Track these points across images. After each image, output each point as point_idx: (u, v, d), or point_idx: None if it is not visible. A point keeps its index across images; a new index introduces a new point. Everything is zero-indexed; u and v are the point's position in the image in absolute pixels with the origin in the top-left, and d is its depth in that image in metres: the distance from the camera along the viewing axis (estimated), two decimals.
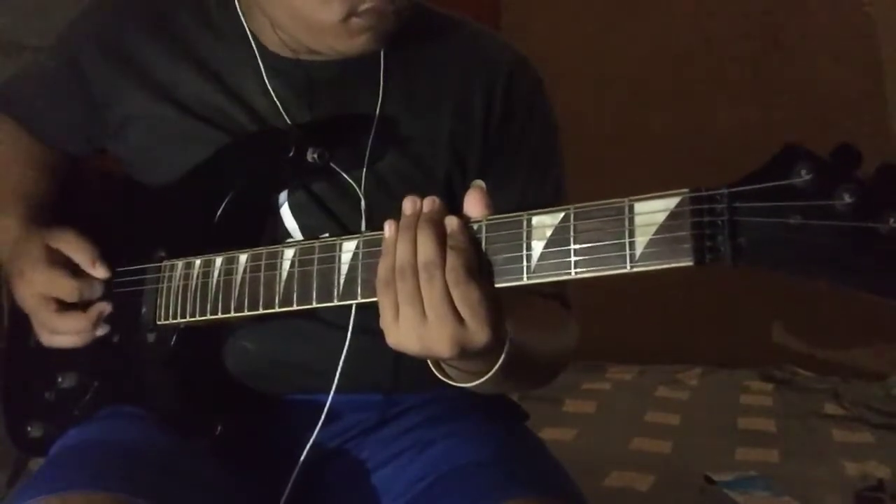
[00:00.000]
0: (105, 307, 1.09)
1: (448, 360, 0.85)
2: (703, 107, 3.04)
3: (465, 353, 0.81)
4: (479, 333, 0.80)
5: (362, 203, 1.06)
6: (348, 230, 1.06)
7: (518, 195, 1.10)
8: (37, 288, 1.09)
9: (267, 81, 1.09)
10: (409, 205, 0.83)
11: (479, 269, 0.80)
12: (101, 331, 1.10)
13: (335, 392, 1.07)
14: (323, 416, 1.06)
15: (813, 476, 1.98)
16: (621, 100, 3.09)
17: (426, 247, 0.80)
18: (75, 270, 1.09)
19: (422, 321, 0.80)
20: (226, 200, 1.04)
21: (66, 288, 1.08)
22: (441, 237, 0.80)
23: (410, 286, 0.80)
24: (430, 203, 0.83)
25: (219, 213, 1.04)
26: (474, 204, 0.82)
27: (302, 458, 1.05)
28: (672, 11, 3.09)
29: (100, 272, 1.09)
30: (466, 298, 0.79)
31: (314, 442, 1.11)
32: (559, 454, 1.11)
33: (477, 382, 0.88)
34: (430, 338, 0.80)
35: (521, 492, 0.96)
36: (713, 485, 1.92)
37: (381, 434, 1.11)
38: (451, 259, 0.79)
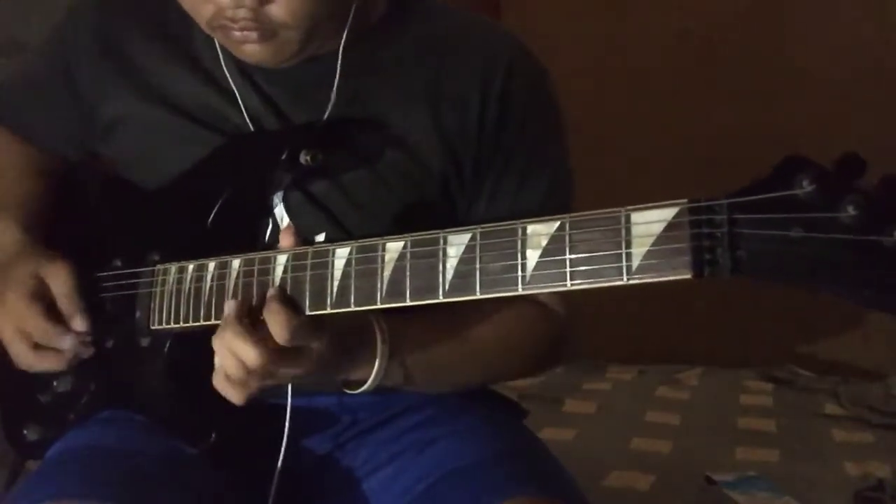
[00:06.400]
0: (80, 349, 1.08)
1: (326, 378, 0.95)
2: (702, 105, 3.03)
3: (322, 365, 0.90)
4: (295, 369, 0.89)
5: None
6: (345, 230, 1.05)
7: (512, 196, 1.08)
8: (12, 318, 1.07)
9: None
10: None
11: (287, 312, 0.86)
12: (85, 353, 1.09)
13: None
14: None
15: (813, 476, 1.98)
16: (621, 98, 3.08)
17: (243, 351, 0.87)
18: (54, 308, 1.07)
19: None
20: (218, 204, 1.03)
21: (39, 329, 1.06)
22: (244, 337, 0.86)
23: (256, 382, 0.89)
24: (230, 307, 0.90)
25: (211, 217, 1.03)
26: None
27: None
28: (672, 9, 3.09)
29: (78, 325, 1.06)
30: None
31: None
32: (559, 454, 1.10)
33: (363, 388, 0.96)
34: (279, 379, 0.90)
35: (522, 491, 0.96)
36: (713, 485, 1.92)
37: (381, 435, 1.10)
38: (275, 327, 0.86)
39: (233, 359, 0.87)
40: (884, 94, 2.83)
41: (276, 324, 0.85)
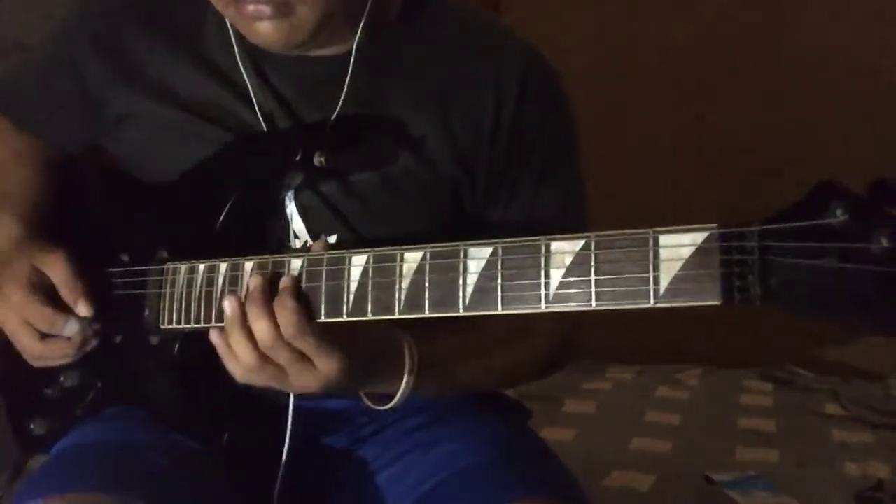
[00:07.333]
0: (88, 336, 1.06)
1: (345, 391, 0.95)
2: (703, 104, 3.03)
3: (336, 384, 0.89)
4: (329, 365, 0.87)
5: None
6: (356, 232, 1.05)
7: (530, 202, 1.08)
8: (15, 311, 1.05)
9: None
10: (228, 306, 0.89)
11: (308, 310, 0.86)
12: (93, 342, 1.08)
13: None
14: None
15: (813, 476, 1.99)
16: (622, 98, 3.08)
17: (262, 333, 0.86)
18: (57, 298, 1.05)
19: (286, 378, 0.89)
20: (229, 203, 1.02)
21: (42, 317, 1.04)
22: (269, 317, 0.86)
23: (269, 373, 0.88)
24: (252, 285, 0.89)
25: (222, 216, 1.02)
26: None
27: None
28: (673, 9, 3.08)
29: (82, 310, 1.05)
30: (308, 349, 0.86)
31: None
32: (559, 454, 1.11)
33: (395, 400, 0.95)
34: (300, 385, 0.90)
35: (526, 493, 0.97)
36: (713, 485, 1.93)
37: (386, 435, 1.10)
38: (283, 322, 0.86)
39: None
40: (884, 94, 2.84)
41: (285, 319, 0.86)
